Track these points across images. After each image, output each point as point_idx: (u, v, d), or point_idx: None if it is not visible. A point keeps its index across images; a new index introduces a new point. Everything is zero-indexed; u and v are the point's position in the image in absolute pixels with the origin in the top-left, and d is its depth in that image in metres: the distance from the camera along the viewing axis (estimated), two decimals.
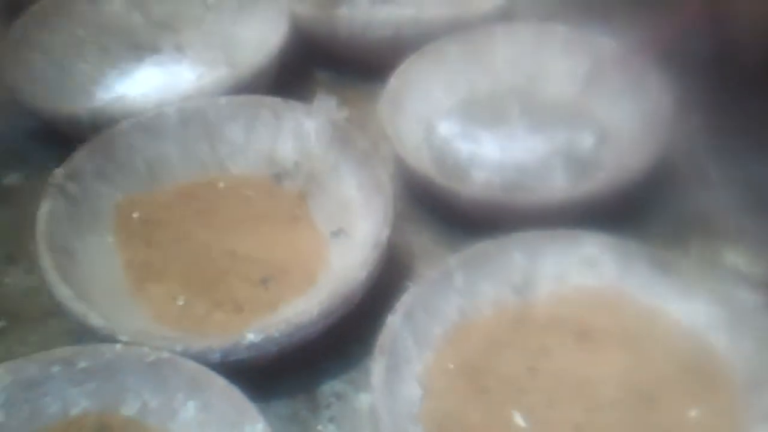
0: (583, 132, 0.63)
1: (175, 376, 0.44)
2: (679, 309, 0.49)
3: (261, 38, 0.72)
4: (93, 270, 0.53)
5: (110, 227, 0.57)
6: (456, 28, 0.69)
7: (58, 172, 0.56)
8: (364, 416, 0.49)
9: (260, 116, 0.62)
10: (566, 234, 0.52)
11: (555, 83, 0.68)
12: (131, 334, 0.46)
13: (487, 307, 0.51)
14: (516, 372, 0.48)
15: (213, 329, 0.51)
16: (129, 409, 0.45)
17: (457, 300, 0.51)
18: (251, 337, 0.45)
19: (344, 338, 0.52)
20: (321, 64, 0.77)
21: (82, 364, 0.45)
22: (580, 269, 0.52)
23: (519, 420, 0.46)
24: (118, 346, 0.45)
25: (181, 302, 0.53)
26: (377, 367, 0.45)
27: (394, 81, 0.64)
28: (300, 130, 0.61)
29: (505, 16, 0.71)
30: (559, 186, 0.60)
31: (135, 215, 0.58)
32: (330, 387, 0.51)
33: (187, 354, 0.45)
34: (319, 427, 0.49)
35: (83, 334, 0.52)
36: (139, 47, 0.76)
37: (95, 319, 0.47)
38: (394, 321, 0.47)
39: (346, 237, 0.57)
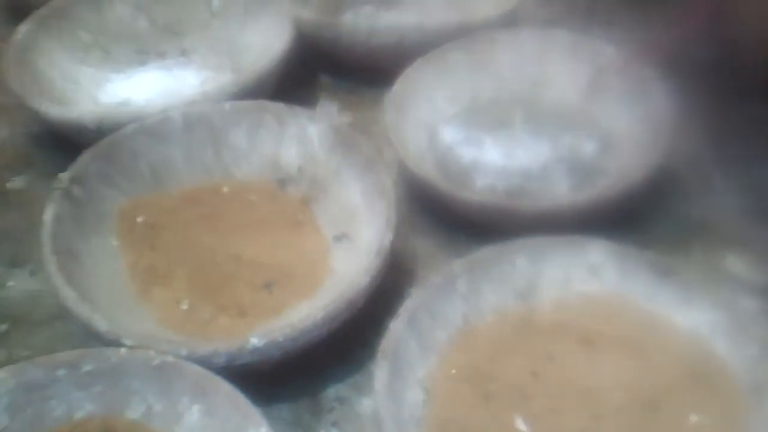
0: (586, 138, 0.64)
1: (180, 380, 0.45)
2: (682, 315, 0.49)
3: (265, 44, 0.72)
4: (98, 273, 0.54)
5: (115, 231, 0.57)
6: (460, 35, 0.69)
7: (64, 176, 0.56)
8: (367, 421, 0.49)
9: (264, 122, 0.62)
10: (570, 240, 0.52)
11: (558, 89, 0.68)
12: (136, 338, 0.46)
13: (490, 312, 0.51)
14: (519, 377, 0.48)
15: (217, 333, 0.52)
16: (134, 412, 0.45)
17: (461, 305, 0.51)
18: (255, 341, 0.46)
19: (347, 343, 0.52)
20: (325, 70, 0.77)
21: (87, 368, 0.45)
22: (583, 275, 0.52)
23: (522, 425, 0.46)
24: (123, 350, 0.46)
25: (185, 306, 0.54)
26: (380, 371, 0.45)
27: (398, 87, 0.65)
28: (304, 136, 0.61)
29: (508, 22, 0.71)
30: (562, 192, 0.60)
31: (139, 219, 0.59)
32: (333, 391, 0.51)
33: (192, 358, 0.45)
34: None
35: (87, 337, 0.52)
36: (144, 52, 0.76)
37: (100, 323, 0.47)
38: (397, 326, 0.48)
39: (350, 242, 0.57)
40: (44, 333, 0.55)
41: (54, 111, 0.65)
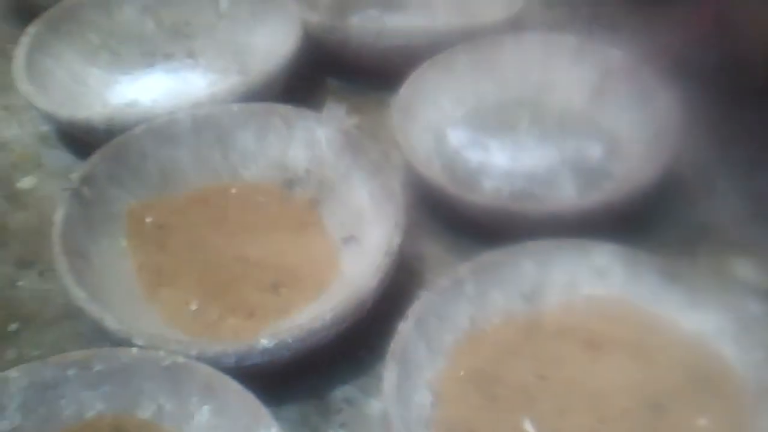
0: (592, 142, 0.64)
1: (190, 380, 0.45)
2: (688, 319, 0.50)
3: (272, 46, 0.72)
4: (107, 274, 0.54)
5: (123, 232, 0.58)
6: (466, 38, 0.70)
7: (74, 177, 0.56)
8: (375, 422, 0.50)
9: (272, 124, 0.62)
10: (576, 243, 0.53)
11: (564, 93, 0.68)
12: (146, 338, 0.47)
13: (497, 315, 0.52)
14: (526, 380, 0.49)
15: (225, 334, 0.52)
16: (144, 412, 0.46)
17: (468, 308, 0.51)
18: (265, 342, 0.46)
19: (354, 344, 0.53)
20: (331, 73, 0.77)
21: (98, 368, 0.46)
22: (589, 279, 0.52)
23: (529, 427, 0.46)
24: (134, 350, 0.46)
25: (193, 307, 0.54)
26: (389, 373, 0.46)
27: (405, 90, 0.65)
28: (311, 138, 0.62)
29: (514, 26, 0.72)
30: (567, 195, 0.61)
31: (148, 220, 0.59)
32: (341, 392, 0.51)
33: (201, 358, 0.46)
34: None
35: (96, 337, 0.52)
36: (151, 54, 0.77)
37: (111, 322, 0.47)
38: (405, 328, 0.48)
39: (357, 244, 0.57)
40: (54, 332, 0.55)
41: (63, 112, 0.65)
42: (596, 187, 0.61)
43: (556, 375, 0.49)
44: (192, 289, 0.55)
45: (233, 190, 0.62)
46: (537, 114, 0.67)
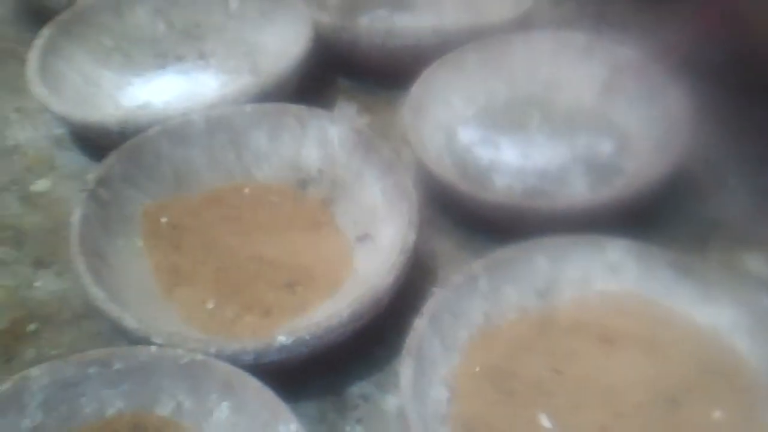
0: (602, 138, 0.65)
1: (208, 378, 0.45)
2: (701, 312, 0.50)
3: (283, 47, 0.73)
4: (124, 273, 0.54)
5: (139, 232, 0.58)
6: (475, 37, 0.70)
7: (90, 178, 0.57)
8: (391, 418, 0.50)
9: (285, 124, 0.63)
10: (589, 239, 0.53)
11: (574, 91, 0.69)
12: (164, 336, 0.47)
13: (511, 311, 0.52)
14: (541, 375, 0.49)
15: (242, 332, 0.52)
16: (163, 409, 0.46)
17: (482, 304, 0.52)
18: (283, 339, 0.46)
19: (370, 341, 0.53)
20: (342, 73, 0.78)
21: (118, 366, 0.46)
22: (603, 274, 0.53)
23: (545, 422, 0.47)
24: (153, 348, 0.46)
25: (210, 306, 0.54)
26: (405, 369, 0.46)
27: (416, 89, 0.65)
28: (324, 138, 0.62)
29: (523, 25, 0.72)
30: (579, 192, 0.61)
31: (163, 220, 0.59)
32: (357, 389, 0.52)
33: (220, 356, 0.46)
34: (347, 428, 0.50)
35: (114, 336, 0.53)
36: (163, 56, 0.77)
37: (130, 321, 0.48)
38: (421, 324, 0.48)
39: (371, 242, 0.58)
40: (72, 332, 0.56)
41: (77, 114, 0.66)
42: (607, 183, 0.61)
43: (571, 370, 0.49)
44: (208, 288, 0.56)
45: (247, 190, 0.62)
46: (547, 111, 0.68)
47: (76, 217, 0.54)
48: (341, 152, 0.61)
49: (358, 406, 0.51)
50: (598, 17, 0.77)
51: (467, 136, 0.66)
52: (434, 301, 0.50)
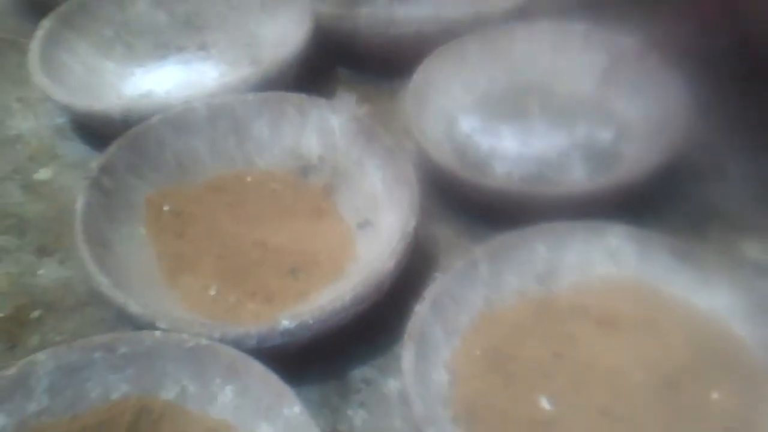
0: (602, 126, 0.65)
1: (213, 362, 0.46)
2: (699, 297, 0.51)
3: (283, 36, 0.73)
4: (127, 261, 0.55)
5: (142, 220, 0.59)
6: (476, 26, 0.70)
7: (94, 166, 0.57)
8: (393, 401, 0.51)
9: (286, 112, 0.63)
10: (588, 225, 0.54)
11: (573, 79, 0.69)
12: (169, 321, 0.48)
13: (511, 296, 0.53)
14: (541, 358, 0.50)
15: (245, 318, 0.53)
16: (168, 393, 0.46)
17: (483, 289, 0.52)
18: (286, 323, 0.47)
19: (371, 327, 0.53)
20: (341, 62, 0.78)
21: (123, 350, 0.46)
22: (602, 259, 0.53)
23: (545, 404, 0.47)
24: (158, 333, 0.47)
25: (213, 292, 0.55)
26: (407, 353, 0.47)
27: (417, 77, 0.66)
28: (325, 126, 0.63)
29: (524, 14, 0.72)
30: (578, 179, 0.61)
31: (166, 208, 0.60)
32: (359, 373, 0.52)
33: (224, 340, 0.46)
34: (350, 412, 0.50)
35: (118, 322, 0.54)
36: (164, 46, 0.78)
37: (135, 307, 0.48)
38: (422, 309, 0.49)
39: (372, 229, 0.58)
40: (75, 319, 0.56)
41: (81, 103, 0.66)
42: (606, 170, 0.62)
43: (571, 353, 0.50)
44: (211, 275, 0.56)
45: (249, 179, 0.63)
46: (547, 100, 0.68)
47: (79, 204, 0.55)
48: (342, 140, 0.62)
49: (360, 390, 0.51)
50: (597, 6, 0.77)
51: (467, 123, 0.66)
52: (436, 286, 0.50)
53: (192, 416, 0.46)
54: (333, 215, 0.60)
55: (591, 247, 0.53)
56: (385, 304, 0.53)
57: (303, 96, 0.63)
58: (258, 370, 0.45)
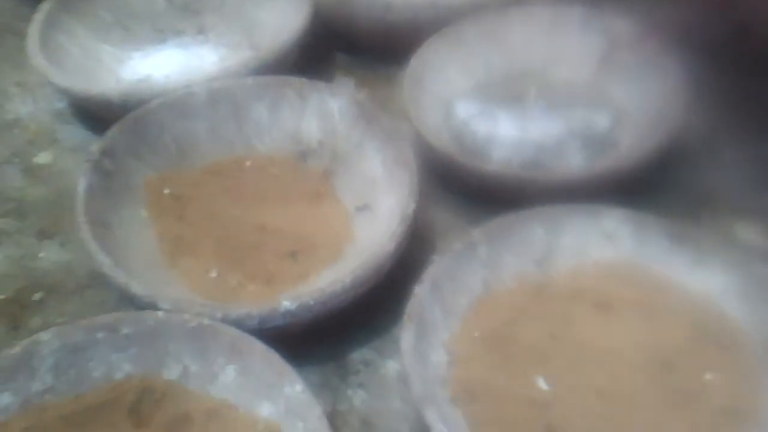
0: (599, 112, 0.65)
1: (215, 342, 0.46)
2: (695, 279, 0.51)
3: (281, 21, 0.73)
4: (129, 243, 0.55)
5: (143, 202, 0.59)
6: (474, 11, 0.71)
7: (95, 149, 0.57)
8: (392, 382, 0.51)
9: (286, 96, 0.64)
10: (586, 208, 0.54)
11: (571, 65, 0.69)
12: (171, 302, 0.48)
13: (509, 278, 0.53)
14: (539, 340, 0.50)
15: (245, 300, 0.54)
16: (171, 373, 0.47)
17: (481, 271, 0.53)
18: (287, 304, 0.47)
19: (370, 309, 0.54)
20: (339, 47, 0.78)
21: (126, 331, 0.47)
22: (599, 242, 0.54)
23: (542, 384, 0.48)
24: (160, 313, 0.47)
25: (213, 274, 0.55)
26: (406, 334, 0.47)
27: (415, 62, 0.66)
28: (324, 110, 0.63)
29: None
30: (575, 165, 0.62)
31: (166, 191, 0.60)
32: (359, 355, 0.53)
33: (226, 321, 0.47)
34: (349, 392, 0.51)
35: (119, 304, 0.54)
36: (162, 30, 0.78)
37: (137, 287, 0.49)
38: (421, 290, 0.49)
39: (371, 212, 0.59)
40: (77, 301, 0.57)
41: (80, 87, 0.67)
42: (603, 156, 0.62)
43: (568, 335, 0.50)
44: (211, 257, 0.56)
45: (248, 162, 0.63)
46: (544, 85, 0.68)
47: (81, 186, 0.55)
48: (341, 124, 0.62)
49: (359, 371, 0.52)
50: None
51: (465, 109, 0.67)
52: (435, 268, 0.51)
53: (194, 396, 0.46)
54: (332, 199, 0.60)
55: (588, 230, 0.54)
56: (383, 287, 0.53)
57: (303, 80, 0.64)
58: (259, 349, 0.45)
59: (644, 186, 0.61)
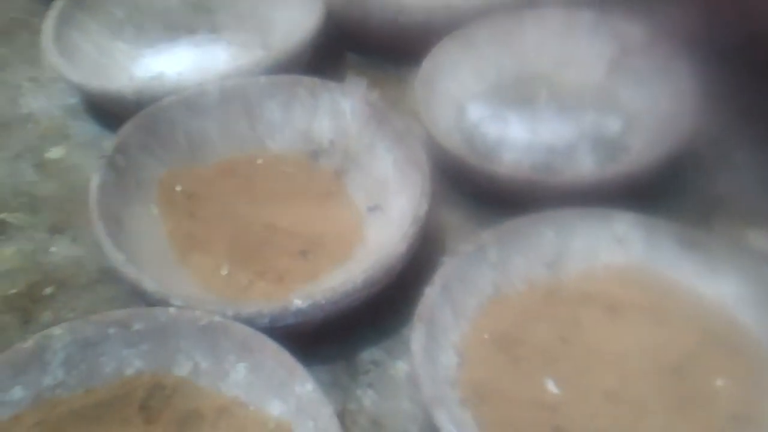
0: (610, 116, 0.65)
1: (226, 339, 0.46)
2: (706, 284, 0.51)
3: (294, 21, 0.74)
4: (140, 239, 0.55)
5: (155, 199, 0.59)
6: (485, 14, 0.71)
7: (108, 146, 0.58)
8: (401, 383, 0.51)
9: (298, 95, 0.64)
10: (596, 212, 0.54)
11: (582, 68, 0.69)
12: (183, 299, 0.48)
13: (520, 281, 0.53)
14: (548, 342, 0.50)
15: (256, 298, 0.54)
16: (181, 369, 0.47)
17: (492, 274, 0.53)
18: (299, 303, 0.48)
19: (380, 310, 0.54)
20: (352, 48, 0.78)
21: (137, 327, 0.47)
22: (609, 246, 0.54)
23: (551, 387, 0.48)
24: (172, 310, 0.47)
25: (224, 272, 0.55)
26: (417, 334, 0.47)
27: (427, 64, 0.66)
28: (336, 109, 0.63)
29: (533, 1, 0.72)
30: (586, 169, 0.62)
31: (178, 189, 0.60)
32: (368, 355, 0.53)
33: (237, 318, 0.47)
34: (359, 392, 0.51)
35: (130, 300, 0.54)
36: (175, 28, 0.78)
37: (149, 283, 0.49)
38: (432, 292, 0.50)
39: (382, 213, 0.59)
40: (87, 296, 0.57)
41: (94, 84, 0.67)
42: (614, 160, 0.62)
43: (578, 338, 0.50)
44: (222, 254, 0.57)
45: (260, 161, 0.63)
46: (555, 88, 0.69)
47: (94, 182, 0.55)
48: (353, 124, 0.62)
49: (369, 371, 0.52)
50: None
51: (476, 111, 0.67)
52: (445, 270, 0.51)
53: (205, 393, 0.47)
54: (343, 199, 0.61)
55: (599, 234, 0.54)
56: (393, 288, 0.53)
57: (315, 79, 0.64)
58: (270, 347, 0.45)
59: (655, 190, 0.61)
